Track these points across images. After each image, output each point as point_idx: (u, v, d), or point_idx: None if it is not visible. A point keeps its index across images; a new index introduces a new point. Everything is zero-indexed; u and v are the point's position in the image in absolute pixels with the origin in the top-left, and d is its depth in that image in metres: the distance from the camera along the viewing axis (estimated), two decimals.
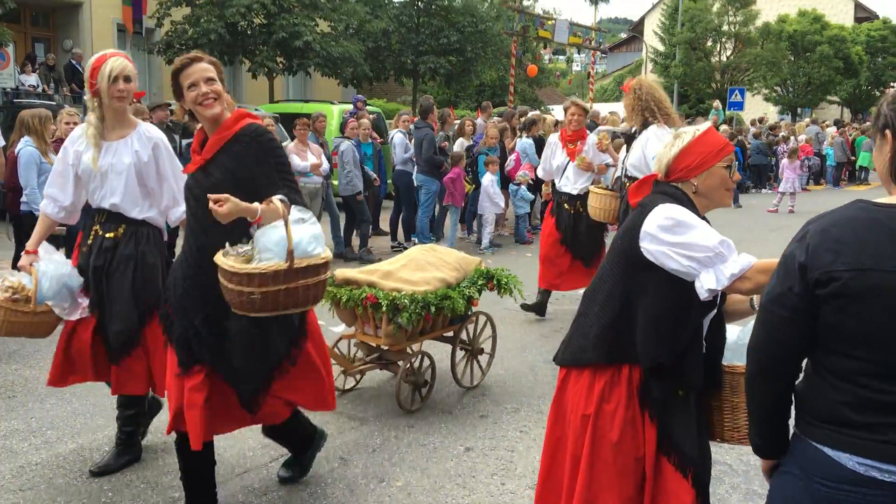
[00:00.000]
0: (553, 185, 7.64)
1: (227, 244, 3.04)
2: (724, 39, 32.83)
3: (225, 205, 2.86)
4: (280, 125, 12.11)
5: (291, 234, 2.90)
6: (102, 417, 4.80)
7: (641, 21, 47.58)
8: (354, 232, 10.70)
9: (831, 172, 23.39)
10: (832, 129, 24.95)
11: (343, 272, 4.92)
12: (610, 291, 2.62)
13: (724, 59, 33.14)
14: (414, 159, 11.04)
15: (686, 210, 2.56)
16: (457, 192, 10.95)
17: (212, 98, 3.13)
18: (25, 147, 6.92)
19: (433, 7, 24.30)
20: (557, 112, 21.45)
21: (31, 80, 16.94)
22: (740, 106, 27.13)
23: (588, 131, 7.51)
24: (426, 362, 5.08)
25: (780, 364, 2.01)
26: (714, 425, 2.72)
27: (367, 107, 14.32)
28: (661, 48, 36.05)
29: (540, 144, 11.60)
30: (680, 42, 32.29)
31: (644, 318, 2.54)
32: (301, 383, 3.46)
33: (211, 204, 2.87)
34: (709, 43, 32.94)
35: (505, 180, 11.92)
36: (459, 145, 12.03)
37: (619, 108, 26.00)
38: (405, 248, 11.22)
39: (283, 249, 2.90)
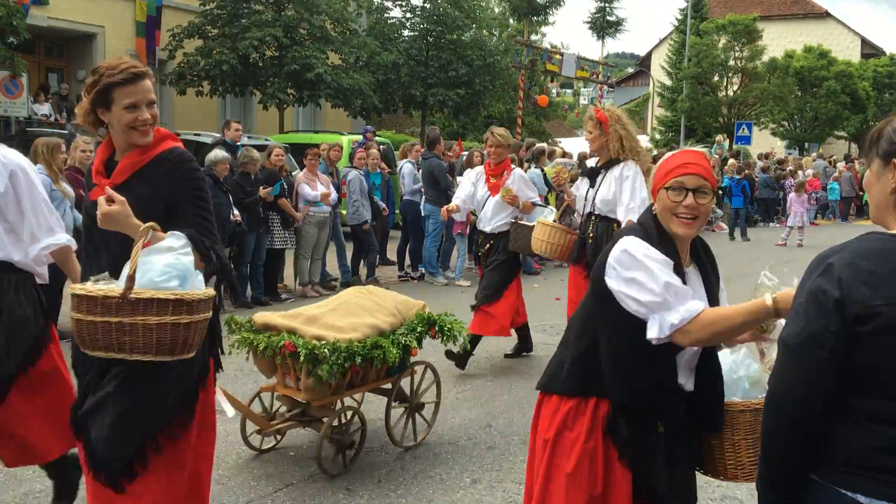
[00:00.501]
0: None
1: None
2: (730, 74, 33.02)
3: (115, 205, 2.54)
4: (290, 155, 12.20)
5: (137, 261, 2.45)
6: None
7: (648, 56, 47.95)
8: (362, 262, 10.72)
9: (832, 207, 23.39)
10: (842, 164, 24.98)
11: (262, 316, 4.48)
12: (584, 321, 2.54)
13: (730, 93, 33.31)
14: (422, 190, 11.09)
15: (643, 243, 2.38)
16: (466, 222, 10.98)
17: (150, 125, 2.74)
18: (40, 174, 6.99)
19: (442, 41, 24.58)
20: (565, 144, 21.56)
21: (44, 109, 17.14)
22: (748, 140, 27.21)
23: (513, 164, 7.02)
24: (355, 420, 4.55)
25: (813, 414, 1.81)
26: (716, 464, 2.58)
27: (376, 137, 14.43)
28: (668, 82, 36.28)
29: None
30: (686, 77, 32.49)
31: (606, 352, 2.43)
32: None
33: (101, 199, 2.57)
34: (715, 78, 33.12)
35: None
36: (467, 176, 12.07)
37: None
38: (412, 278, 11.26)
39: (141, 276, 2.48)
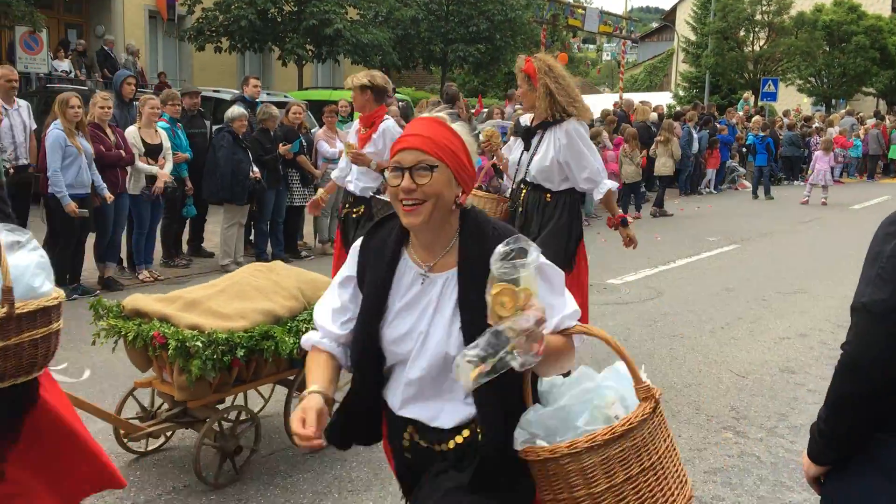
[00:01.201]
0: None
1: None
2: (757, 29, 32.33)
3: None
4: (309, 112, 12.14)
5: (7, 266, 2.00)
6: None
7: (673, 10, 47.01)
8: None
9: (854, 164, 22.97)
10: (871, 121, 24.48)
11: (134, 299, 3.87)
12: None
13: (757, 48, 32.67)
14: None
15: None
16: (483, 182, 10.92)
17: None
18: (52, 130, 7.00)
19: None
20: (587, 102, 21.24)
21: (64, 65, 17.13)
22: (773, 97, 26.74)
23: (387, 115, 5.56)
24: (245, 422, 4.00)
25: (894, 380, 1.77)
26: None
27: (396, 94, 14.31)
28: (693, 37, 35.59)
29: None
30: (712, 31, 31.85)
31: None
32: (58, 464, 2.67)
33: None
34: (741, 32, 32.44)
35: None
36: None
37: (651, 97, 25.66)
38: None
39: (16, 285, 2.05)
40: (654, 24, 57.29)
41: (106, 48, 18.25)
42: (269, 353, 3.68)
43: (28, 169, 7.42)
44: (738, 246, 11.05)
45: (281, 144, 8.97)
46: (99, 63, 18.21)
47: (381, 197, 5.42)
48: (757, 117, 20.26)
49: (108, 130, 7.62)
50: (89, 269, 7.80)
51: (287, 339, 3.70)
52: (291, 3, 18.87)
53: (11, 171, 7.11)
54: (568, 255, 4.66)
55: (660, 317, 7.06)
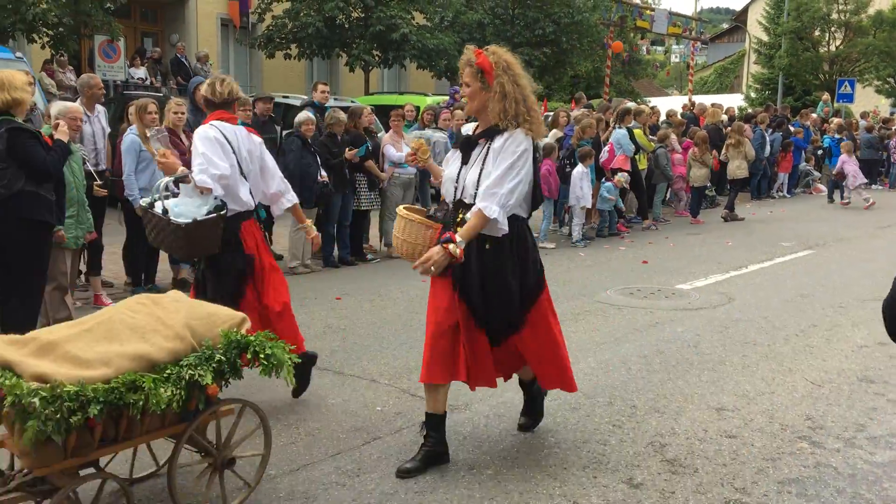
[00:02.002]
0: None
1: None
2: (833, 28, 31.40)
3: None
4: (375, 116, 12.26)
5: None
6: None
7: (745, 10, 45.94)
8: None
9: None
10: None
11: None
12: None
13: (832, 49, 31.71)
14: None
15: None
16: (550, 186, 10.84)
17: None
18: (128, 135, 7.23)
19: None
20: (655, 104, 20.97)
21: (140, 73, 17.68)
22: (850, 98, 25.92)
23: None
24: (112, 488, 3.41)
25: None
26: None
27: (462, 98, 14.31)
28: (766, 38, 34.75)
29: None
30: (785, 32, 31.04)
31: None
32: None
33: None
34: (816, 32, 31.55)
35: (600, 172, 11.76)
36: (552, 136, 11.91)
37: (722, 99, 25.18)
38: None
39: None
40: (725, 25, 56.12)
41: (179, 56, 18.76)
42: (138, 409, 3.02)
43: (105, 173, 7.65)
44: (812, 251, 10.72)
45: (348, 149, 9.07)
46: (173, 70, 18.73)
47: (154, 211, 4.42)
48: (836, 119, 19.63)
49: (183, 136, 7.82)
50: (163, 271, 8.02)
51: (162, 390, 3.06)
52: (358, 9, 19.08)
53: (104, 192, 7.35)
54: (521, 312, 3.98)
55: (731, 323, 6.89)
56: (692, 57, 29.90)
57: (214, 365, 3.28)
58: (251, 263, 4.66)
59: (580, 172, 10.86)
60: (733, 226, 13.17)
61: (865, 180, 16.45)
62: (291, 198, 5.01)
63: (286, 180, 5.04)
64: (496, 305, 3.92)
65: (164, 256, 7.90)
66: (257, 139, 4.87)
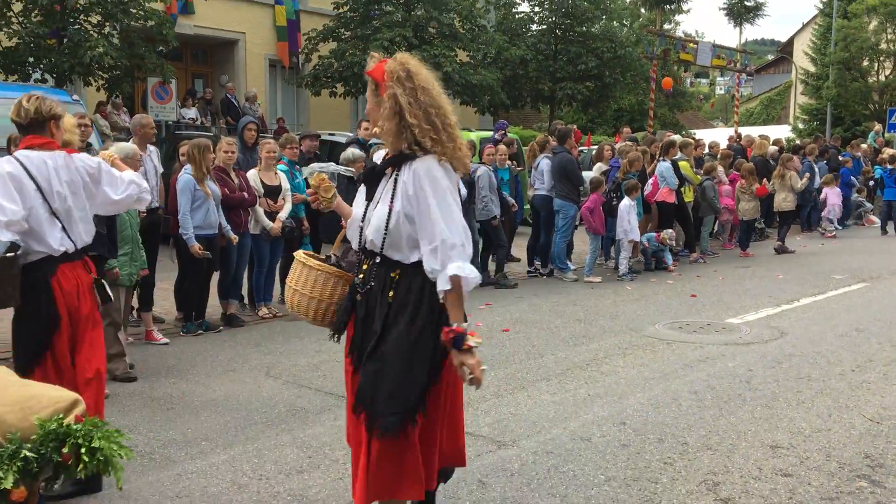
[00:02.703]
0: None
1: None
2: (882, 58, 30.95)
3: None
4: None
5: None
6: (253, 430, 5.00)
7: (790, 41, 45.54)
8: (490, 257, 10.74)
9: None
10: None
11: None
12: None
13: (882, 78, 31.22)
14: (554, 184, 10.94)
15: None
16: (596, 220, 10.80)
17: None
18: (183, 174, 7.40)
19: (571, 34, 24.25)
20: (700, 137, 20.82)
21: (191, 113, 18.14)
22: None
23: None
24: None
25: None
26: None
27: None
28: (812, 69, 34.36)
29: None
30: (833, 62, 30.66)
31: None
32: None
33: None
34: (865, 62, 31.11)
35: (645, 205, 11.70)
36: (597, 170, 11.89)
37: (769, 130, 24.93)
38: (541, 275, 11.16)
39: None
40: (770, 57, 55.65)
41: (229, 96, 19.22)
42: None
43: (158, 211, 7.84)
44: (866, 284, 10.47)
45: None
46: (222, 110, 19.20)
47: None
48: (888, 150, 19.27)
49: (233, 174, 7.98)
50: (213, 306, 8.14)
51: None
52: (402, 48, 19.37)
53: (144, 213, 7.53)
54: (418, 396, 3.01)
55: (784, 358, 6.74)
56: (737, 88, 29.65)
57: (19, 464, 2.64)
58: (60, 314, 3.95)
59: (627, 206, 10.80)
60: (783, 259, 12.93)
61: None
62: (144, 197, 4.39)
63: (142, 180, 4.41)
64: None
65: (213, 292, 8.03)
66: (85, 162, 4.14)
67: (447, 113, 3.06)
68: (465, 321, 2.94)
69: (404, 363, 2.97)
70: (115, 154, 5.63)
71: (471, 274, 2.88)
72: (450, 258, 2.87)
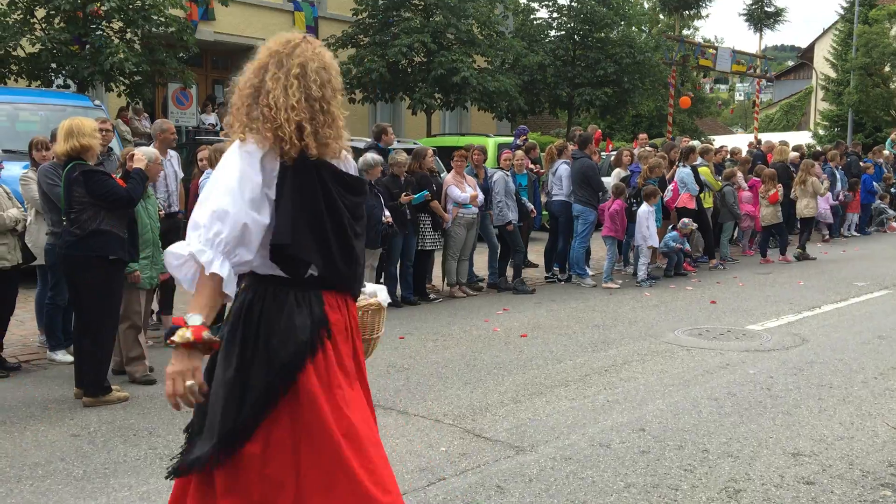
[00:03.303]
0: None
1: None
2: None
3: None
4: (437, 157, 12.38)
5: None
6: None
7: (811, 47, 45.25)
8: (508, 263, 10.72)
9: None
10: None
11: None
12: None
13: None
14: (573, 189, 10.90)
15: None
16: (618, 226, 10.74)
17: None
18: (205, 179, 7.45)
19: (590, 39, 24.19)
20: (719, 143, 20.71)
21: (211, 118, 18.25)
22: None
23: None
24: None
25: None
26: None
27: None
28: (833, 74, 34.11)
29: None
30: (854, 68, 30.43)
31: None
32: None
33: None
34: (887, 68, 30.85)
35: (665, 211, 11.64)
36: (616, 176, 11.85)
37: (789, 136, 24.78)
38: (559, 280, 11.13)
39: None
40: (790, 63, 55.32)
41: None
42: None
43: (178, 215, 7.88)
44: (889, 291, 10.35)
45: (404, 194, 9.14)
46: None
47: None
48: None
49: None
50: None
51: None
52: (421, 54, 19.42)
53: (162, 214, 7.59)
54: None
55: (805, 365, 6.67)
56: (757, 94, 29.48)
57: None
58: None
59: (645, 211, 10.74)
60: (804, 265, 12.81)
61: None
62: None
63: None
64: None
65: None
66: None
67: (279, 94, 2.57)
68: (198, 320, 2.44)
69: (214, 393, 2.55)
70: (136, 153, 5.68)
71: (202, 259, 2.42)
72: (189, 238, 2.49)
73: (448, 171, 10.47)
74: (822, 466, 4.50)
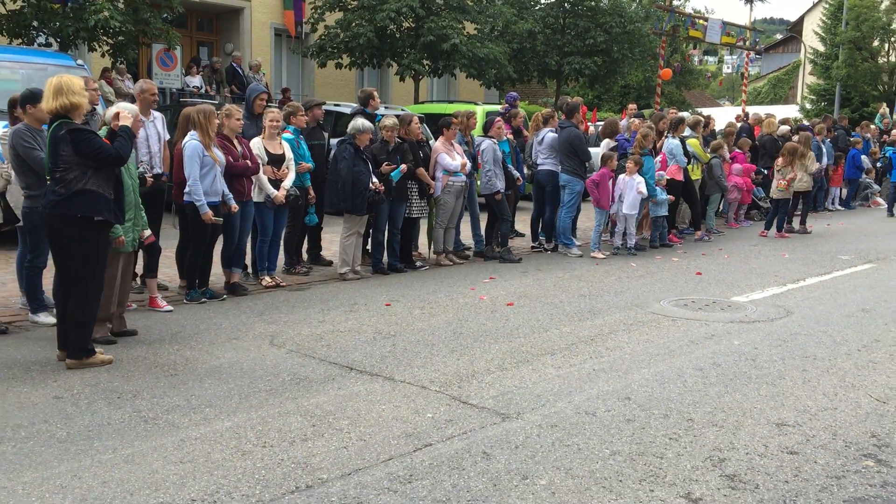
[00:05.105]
0: None
1: None
2: (893, 39, 30.67)
3: None
4: (425, 125, 12.28)
5: None
6: (257, 398, 4.99)
7: (800, 20, 45.12)
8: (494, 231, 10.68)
9: None
10: None
11: None
12: None
13: (892, 59, 30.95)
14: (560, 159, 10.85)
15: None
16: (602, 195, 10.72)
17: None
18: (190, 141, 7.32)
19: (580, 8, 24.00)
20: (710, 115, 20.66)
21: (196, 81, 18.00)
22: None
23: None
24: None
25: None
26: None
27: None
28: (822, 48, 34.06)
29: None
30: (843, 42, 30.39)
31: None
32: None
33: None
34: (875, 42, 30.84)
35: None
36: (605, 146, 11.80)
37: (776, 110, 24.76)
38: (545, 250, 11.12)
39: None
40: (779, 36, 55.19)
41: (234, 64, 19.06)
42: None
43: (161, 178, 7.77)
44: (873, 265, 10.42)
45: (386, 163, 9.02)
46: (227, 79, 19.05)
47: None
48: None
49: (235, 141, 7.90)
50: (216, 275, 8.10)
51: None
52: (410, 19, 19.17)
53: (150, 179, 7.48)
54: None
55: (790, 337, 6.71)
56: (746, 67, 29.40)
57: None
58: None
59: (630, 182, 10.72)
60: (789, 238, 12.87)
61: None
62: None
63: None
64: None
65: (216, 261, 8.00)
66: None
67: None
68: None
69: None
70: (122, 110, 5.57)
71: None
72: None
73: (436, 139, 10.37)
74: (805, 437, 4.53)
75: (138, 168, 7.02)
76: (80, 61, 11.51)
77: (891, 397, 5.24)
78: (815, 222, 14.72)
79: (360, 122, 8.85)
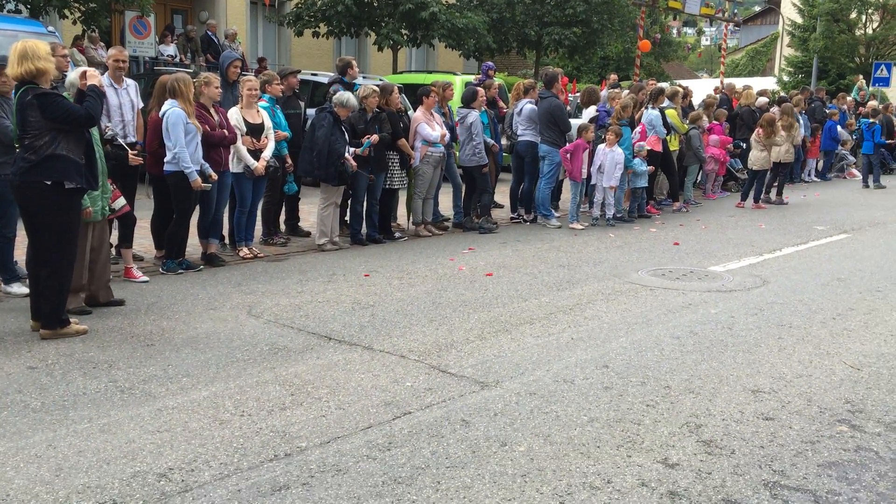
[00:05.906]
0: None
1: None
2: (870, 11, 30.76)
3: None
4: (404, 95, 12.16)
5: None
6: (234, 367, 4.96)
7: None
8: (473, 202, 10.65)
9: None
10: None
11: None
12: None
13: (869, 31, 31.06)
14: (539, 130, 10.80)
15: None
16: (575, 165, 10.69)
17: None
18: (173, 108, 7.19)
19: None
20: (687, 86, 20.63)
21: (170, 49, 17.69)
22: (886, 82, 25.40)
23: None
24: None
25: None
26: None
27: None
28: (800, 20, 34.08)
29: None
30: (821, 13, 30.43)
31: None
32: None
33: None
34: (853, 14, 30.91)
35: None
36: (587, 116, 11.76)
37: (754, 82, 24.89)
38: (525, 221, 11.11)
39: None
40: (758, 8, 55.16)
41: (210, 33, 18.75)
42: None
43: (136, 146, 7.64)
44: (848, 235, 10.52)
45: (365, 136, 8.90)
46: (203, 48, 18.74)
47: None
48: (872, 102, 19.27)
49: (212, 110, 7.79)
50: (193, 245, 8.02)
51: None
52: None
53: (134, 152, 7.36)
54: None
55: (766, 306, 6.77)
56: (725, 38, 29.39)
57: None
58: None
59: (609, 152, 10.71)
60: (766, 209, 12.96)
61: None
62: None
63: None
64: None
65: (193, 231, 7.91)
66: None
67: None
68: None
69: None
70: (89, 70, 5.49)
71: None
72: None
73: (415, 109, 10.28)
74: (780, 403, 4.58)
75: (108, 132, 6.92)
76: (50, 28, 11.26)
77: (864, 364, 5.31)
78: (791, 193, 14.82)
79: (348, 96, 8.72)
